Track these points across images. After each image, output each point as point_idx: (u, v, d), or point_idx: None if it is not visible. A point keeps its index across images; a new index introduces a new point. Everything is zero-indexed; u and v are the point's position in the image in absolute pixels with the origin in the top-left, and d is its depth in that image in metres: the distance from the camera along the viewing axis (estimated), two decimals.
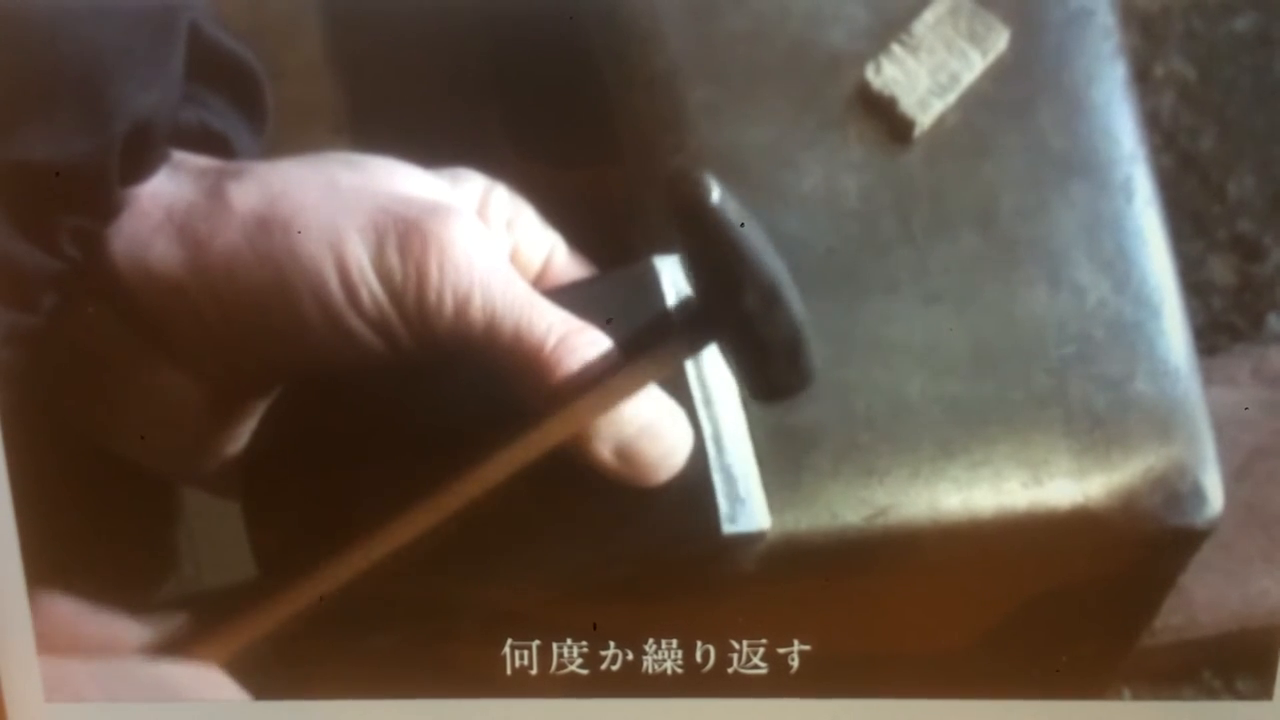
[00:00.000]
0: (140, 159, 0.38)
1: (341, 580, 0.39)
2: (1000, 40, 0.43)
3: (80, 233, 0.37)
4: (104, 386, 0.41)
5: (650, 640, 0.45)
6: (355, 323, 0.38)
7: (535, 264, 0.41)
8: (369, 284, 0.37)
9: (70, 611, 0.42)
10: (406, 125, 0.43)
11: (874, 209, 0.43)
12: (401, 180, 0.40)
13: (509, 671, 0.46)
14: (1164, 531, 0.42)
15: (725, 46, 0.43)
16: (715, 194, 0.35)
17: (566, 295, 0.40)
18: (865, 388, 0.42)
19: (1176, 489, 0.42)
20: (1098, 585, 0.44)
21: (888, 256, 0.42)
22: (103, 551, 0.43)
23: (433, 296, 0.37)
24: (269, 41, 0.41)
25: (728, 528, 0.40)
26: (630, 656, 0.45)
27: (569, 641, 0.45)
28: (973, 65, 0.43)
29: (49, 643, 0.43)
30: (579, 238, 0.42)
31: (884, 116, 0.43)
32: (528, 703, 0.46)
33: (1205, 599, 0.44)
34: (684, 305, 0.40)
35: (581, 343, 0.38)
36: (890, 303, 0.42)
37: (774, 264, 0.37)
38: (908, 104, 0.43)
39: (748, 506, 0.40)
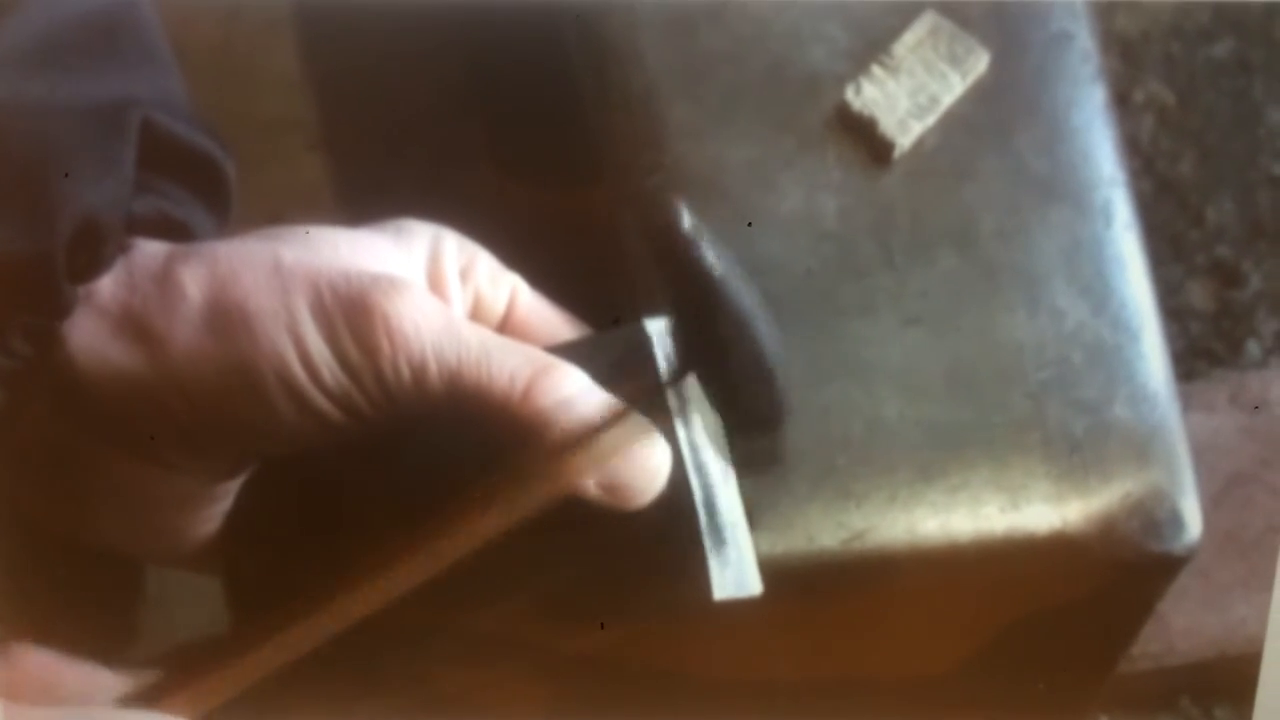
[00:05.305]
0: (91, 256, 0.37)
1: (319, 637, 0.38)
2: (980, 63, 0.43)
3: (32, 331, 0.36)
4: (60, 481, 0.40)
5: (629, 663, 0.45)
6: (322, 403, 0.37)
7: (499, 308, 0.41)
8: (329, 364, 0.37)
9: (45, 661, 0.41)
10: (383, 143, 0.42)
11: (853, 231, 0.43)
12: (344, 249, 0.39)
13: (488, 693, 0.45)
14: (1142, 558, 0.42)
15: (704, 66, 0.42)
16: (687, 219, 0.35)
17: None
18: (842, 410, 0.42)
19: (1154, 515, 0.42)
20: (1075, 611, 0.43)
21: (866, 278, 0.42)
22: (70, 615, 0.43)
23: (389, 370, 0.37)
24: (242, 55, 0.41)
25: (719, 594, 0.40)
26: (610, 679, 0.45)
27: (549, 663, 0.45)
28: (953, 87, 0.43)
29: (20, 692, 0.42)
30: (557, 256, 0.42)
31: (863, 138, 0.43)
32: None
33: (1183, 626, 0.44)
34: (661, 334, 0.39)
35: (551, 384, 0.38)
36: (868, 325, 0.42)
37: (746, 290, 0.37)
38: (887, 125, 0.43)
39: (740, 571, 0.40)
